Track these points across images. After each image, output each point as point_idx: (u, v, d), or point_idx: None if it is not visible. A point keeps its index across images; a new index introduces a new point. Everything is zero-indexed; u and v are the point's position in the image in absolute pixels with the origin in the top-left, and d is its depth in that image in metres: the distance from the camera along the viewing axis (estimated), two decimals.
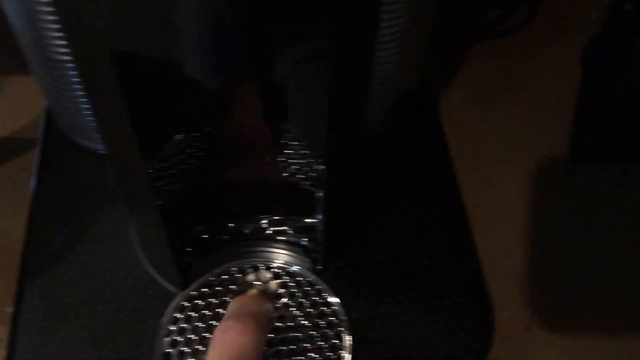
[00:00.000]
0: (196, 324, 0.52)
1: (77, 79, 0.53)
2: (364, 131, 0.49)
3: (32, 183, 0.60)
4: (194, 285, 0.54)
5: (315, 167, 0.52)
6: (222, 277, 0.55)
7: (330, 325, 0.52)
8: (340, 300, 0.53)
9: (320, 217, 0.52)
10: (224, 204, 0.55)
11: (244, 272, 0.55)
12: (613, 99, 0.54)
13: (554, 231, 0.62)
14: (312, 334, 0.51)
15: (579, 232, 0.62)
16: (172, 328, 0.51)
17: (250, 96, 0.48)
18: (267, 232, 0.56)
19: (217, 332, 0.45)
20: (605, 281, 0.59)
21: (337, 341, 0.51)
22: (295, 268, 0.54)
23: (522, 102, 0.72)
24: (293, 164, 0.54)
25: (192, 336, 0.51)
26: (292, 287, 0.54)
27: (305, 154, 0.54)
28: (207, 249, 0.55)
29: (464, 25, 0.78)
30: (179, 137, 0.52)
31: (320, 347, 0.51)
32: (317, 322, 0.52)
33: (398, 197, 0.60)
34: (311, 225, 0.54)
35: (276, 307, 0.53)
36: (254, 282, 0.54)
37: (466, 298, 0.54)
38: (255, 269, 0.55)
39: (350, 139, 0.47)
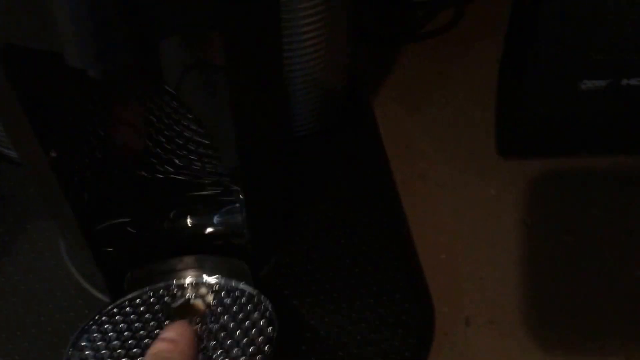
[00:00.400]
0: (125, 333, 0.50)
1: None
2: (284, 133, 0.48)
3: None
4: (126, 297, 0.52)
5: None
6: (157, 286, 0.53)
7: (264, 329, 0.51)
8: (274, 303, 0.52)
9: (244, 222, 0.51)
10: (148, 212, 0.54)
11: (176, 281, 0.53)
12: (525, 94, 0.54)
13: (491, 225, 0.62)
14: (245, 340, 0.50)
15: (516, 225, 0.62)
16: (95, 335, 0.50)
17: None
18: (195, 237, 0.55)
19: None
20: (542, 274, 0.59)
21: (270, 345, 0.50)
22: (228, 275, 0.53)
23: (454, 99, 0.72)
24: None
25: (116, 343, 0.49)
26: (226, 294, 0.52)
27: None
28: (138, 258, 0.54)
29: (394, 26, 0.79)
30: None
31: (253, 352, 0.50)
32: (251, 327, 0.51)
33: (332, 196, 0.59)
34: (238, 230, 0.54)
35: (209, 315, 0.51)
36: (188, 291, 0.53)
37: (404, 294, 0.54)
38: (187, 275, 0.53)
39: (266, 142, 0.46)
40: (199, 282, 0.53)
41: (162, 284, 0.53)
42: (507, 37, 0.58)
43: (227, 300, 0.52)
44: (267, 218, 0.52)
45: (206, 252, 0.54)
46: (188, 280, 0.53)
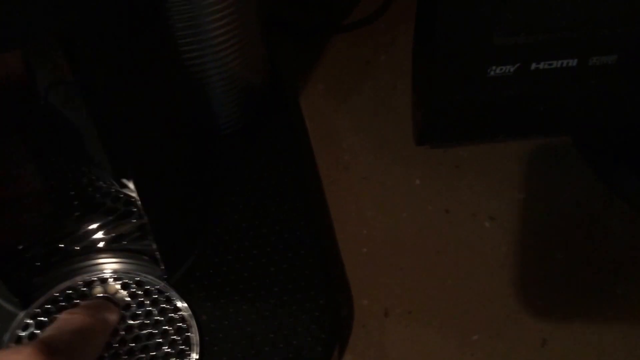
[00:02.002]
0: None
1: None
2: (183, 135, 0.47)
3: None
4: (37, 302, 0.52)
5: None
6: (67, 291, 0.52)
7: (178, 330, 0.50)
8: (188, 304, 0.51)
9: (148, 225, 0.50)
10: (48, 219, 0.53)
11: (89, 286, 0.53)
12: (436, 83, 0.54)
13: (414, 215, 0.62)
14: (160, 341, 0.50)
15: (438, 214, 0.62)
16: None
17: None
18: (104, 241, 0.54)
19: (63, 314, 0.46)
20: (461, 261, 0.59)
21: (185, 346, 0.50)
22: (142, 276, 0.53)
23: (381, 89, 0.71)
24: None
25: None
26: (140, 295, 0.52)
27: None
28: (47, 265, 0.53)
29: (318, 16, 0.78)
30: None
31: (168, 353, 0.49)
32: (166, 328, 0.50)
33: (253, 192, 0.58)
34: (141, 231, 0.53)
35: (123, 318, 0.51)
36: (101, 295, 0.52)
37: (320, 290, 0.53)
38: (102, 281, 0.53)
39: (154, 148, 0.45)
40: (107, 279, 0.53)
41: (68, 283, 0.52)
42: (416, 26, 0.57)
43: (140, 299, 0.52)
44: (173, 223, 0.51)
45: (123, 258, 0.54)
46: (96, 277, 0.53)
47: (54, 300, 0.52)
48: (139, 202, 0.46)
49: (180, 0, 0.50)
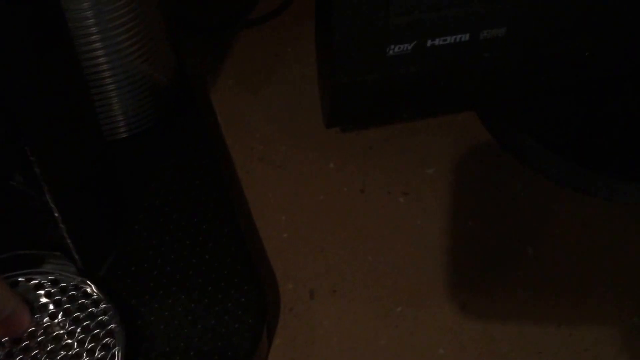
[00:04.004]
0: None
1: None
2: (92, 137, 0.48)
3: None
4: None
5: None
6: None
7: (101, 327, 0.50)
8: (111, 301, 0.51)
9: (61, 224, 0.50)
10: None
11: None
12: (336, 65, 0.55)
13: (330, 198, 0.63)
14: (82, 339, 0.50)
15: (354, 195, 0.63)
16: None
17: None
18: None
19: None
20: (378, 238, 0.61)
21: (111, 343, 0.50)
22: (59, 274, 0.52)
23: (291, 79, 0.73)
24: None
25: None
26: (57, 294, 0.52)
27: None
28: None
29: (222, 13, 0.79)
30: None
31: (93, 351, 0.50)
32: (88, 327, 0.50)
33: (168, 189, 0.59)
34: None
35: (42, 318, 0.51)
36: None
37: (242, 278, 0.54)
38: (15, 282, 0.52)
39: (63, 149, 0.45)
40: (18, 280, 0.52)
41: None
42: (316, 10, 0.59)
43: (61, 298, 0.52)
44: (86, 220, 0.52)
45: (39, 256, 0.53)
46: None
47: None
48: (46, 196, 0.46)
49: None
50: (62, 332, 0.51)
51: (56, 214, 0.48)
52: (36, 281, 0.52)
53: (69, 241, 0.50)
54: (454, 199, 0.62)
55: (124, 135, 0.62)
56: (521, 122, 0.65)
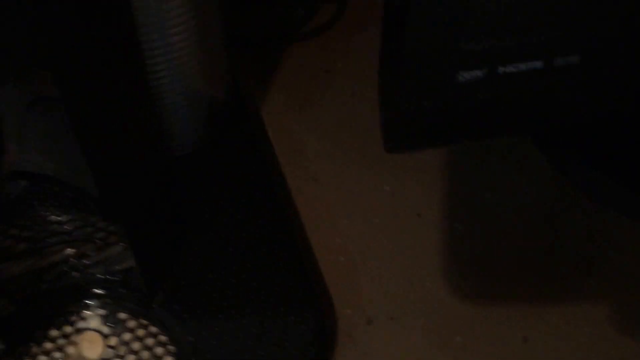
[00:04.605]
0: None
1: None
2: (157, 156, 0.47)
3: None
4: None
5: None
6: (50, 329, 0.51)
7: (164, 355, 0.50)
8: (172, 328, 0.51)
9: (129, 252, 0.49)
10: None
11: (69, 322, 0.52)
12: (404, 89, 0.54)
13: (386, 221, 0.62)
14: None
15: (410, 219, 0.62)
16: None
17: None
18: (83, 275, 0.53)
19: None
20: (436, 264, 0.60)
21: None
22: (121, 308, 0.52)
23: (342, 96, 0.72)
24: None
25: None
26: (120, 327, 0.51)
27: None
28: (26, 300, 0.52)
29: (273, 27, 0.78)
30: None
31: None
32: (151, 356, 0.50)
33: (224, 210, 0.58)
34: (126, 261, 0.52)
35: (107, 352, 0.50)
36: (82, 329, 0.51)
37: (303, 302, 0.53)
38: (80, 314, 0.52)
39: (133, 167, 0.45)
40: (87, 315, 0.52)
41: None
42: (383, 32, 0.57)
43: (120, 330, 0.51)
44: (150, 243, 0.51)
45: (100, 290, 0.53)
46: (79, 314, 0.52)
47: (36, 339, 0.51)
48: (116, 226, 0.45)
49: (141, 12, 0.49)
50: None
51: (122, 237, 0.47)
52: (99, 311, 0.52)
53: (135, 265, 0.49)
54: (514, 228, 0.61)
55: (178, 154, 0.61)
56: (582, 149, 0.64)
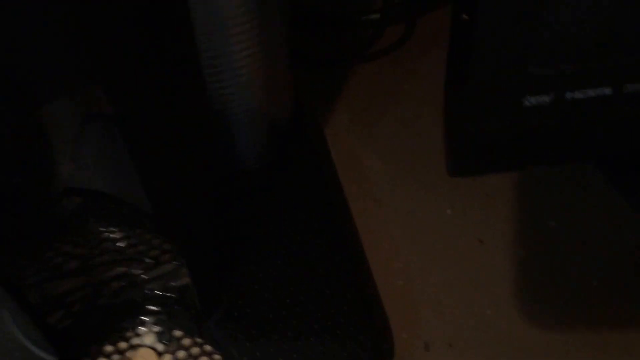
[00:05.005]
0: None
1: None
2: (212, 173, 0.47)
3: None
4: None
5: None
6: (105, 345, 0.52)
7: None
8: (227, 347, 0.51)
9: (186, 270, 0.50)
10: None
11: (124, 338, 0.52)
12: (469, 114, 0.53)
13: (447, 246, 0.61)
14: None
15: (472, 244, 0.61)
16: None
17: None
18: (139, 291, 0.53)
19: None
20: (497, 291, 0.58)
21: None
22: (176, 323, 0.52)
23: (406, 119, 0.71)
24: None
25: None
26: (174, 344, 0.51)
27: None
28: (82, 314, 0.52)
29: (339, 47, 0.78)
30: None
31: None
32: None
33: (284, 230, 0.58)
34: (181, 278, 0.53)
35: None
36: (136, 345, 0.52)
37: (360, 325, 0.53)
38: (135, 330, 0.52)
39: (187, 186, 0.45)
40: (142, 332, 0.52)
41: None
42: (449, 56, 0.57)
43: (175, 348, 0.52)
44: (207, 261, 0.51)
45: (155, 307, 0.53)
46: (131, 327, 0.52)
47: (87, 353, 0.52)
48: (173, 244, 0.46)
49: (206, 29, 0.50)
50: None
51: (177, 254, 0.48)
52: (154, 328, 0.52)
53: (190, 284, 0.50)
54: (578, 256, 0.59)
55: (239, 172, 0.61)
56: None
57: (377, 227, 0.63)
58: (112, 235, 0.54)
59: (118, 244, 0.54)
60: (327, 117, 0.71)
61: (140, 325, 0.53)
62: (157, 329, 0.53)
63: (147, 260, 0.53)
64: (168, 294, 0.53)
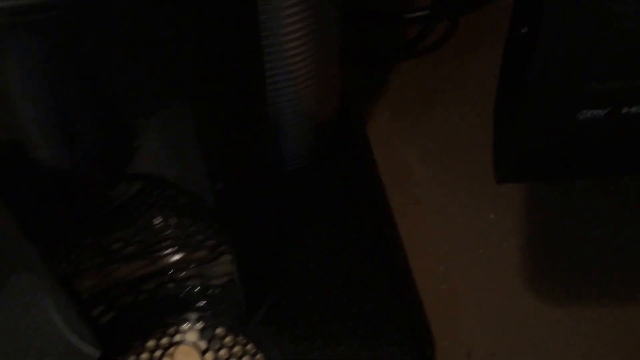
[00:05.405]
0: None
1: None
2: (269, 168, 0.47)
3: None
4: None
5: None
6: (147, 340, 0.52)
7: None
8: (269, 348, 0.51)
9: (233, 266, 0.49)
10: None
11: (167, 334, 0.52)
12: (522, 126, 0.53)
13: (490, 251, 0.61)
14: None
15: (516, 250, 0.61)
16: None
17: None
18: (183, 286, 0.54)
19: None
20: (543, 301, 0.58)
21: None
22: (219, 321, 0.52)
23: (450, 119, 0.71)
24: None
25: None
26: (217, 342, 0.52)
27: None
28: (126, 308, 0.53)
29: (384, 44, 0.77)
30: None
31: None
32: None
33: (326, 229, 0.58)
34: (226, 275, 0.53)
35: None
36: (179, 342, 0.52)
37: (403, 330, 0.53)
38: (177, 327, 0.53)
39: (246, 178, 0.45)
40: (184, 329, 0.53)
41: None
42: (502, 65, 0.56)
43: (217, 346, 0.52)
44: (256, 259, 0.51)
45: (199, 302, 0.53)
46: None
47: (132, 347, 0.52)
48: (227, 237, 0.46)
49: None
50: None
51: (230, 247, 0.48)
52: (196, 325, 0.53)
53: (236, 280, 0.49)
54: (624, 268, 0.59)
55: (284, 171, 0.61)
56: None
57: (419, 229, 0.62)
58: (168, 224, 0.54)
59: (169, 233, 0.54)
60: (370, 115, 0.71)
61: (183, 322, 0.53)
62: (199, 326, 0.53)
63: (195, 254, 0.54)
64: (213, 292, 0.53)
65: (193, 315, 0.53)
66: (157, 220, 0.54)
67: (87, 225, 0.51)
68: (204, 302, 0.54)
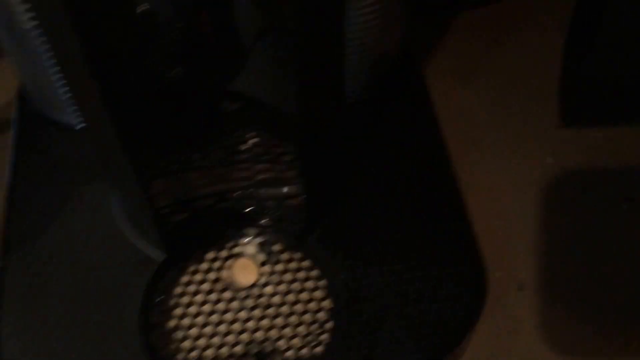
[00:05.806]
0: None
1: (47, 48, 0.52)
2: (340, 95, 0.48)
3: (10, 160, 0.59)
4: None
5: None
6: (208, 251, 0.53)
7: (313, 290, 0.50)
8: (325, 263, 0.51)
9: (299, 185, 0.50)
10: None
11: (225, 246, 0.53)
12: (594, 65, 0.53)
13: (547, 192, 0.60)
14: (295, 301, 0.50)
15: (573, 193, 0.60)
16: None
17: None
18: (246, 204, 0.54)
19: None
20: (598, 242, 0.57)
21: (322, 307, 0.50)
22: (278, 237, 0.53)
23: (509, 67, 0.70)
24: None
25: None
26: (274, 257, 0.52)
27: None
28: (191, 219, 0.54)
29: None
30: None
31: (303, 313, 0.50)
32: (302, 288, 0.51)
33: (385, 162, 0.58)
34: (291, 194, 0.53)
35: (260, 278, 0.51)
36: (237, 255, 0.53)
37: (457, 258, 0.53)
38: (237, 240, 0.53)
39: (325, 102, 0.46)
40: (244, 242, 0.53)
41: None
42: (575, 11, 0.56)
43: (274, 261, 0.52)
44: (323, 184, 0.52)
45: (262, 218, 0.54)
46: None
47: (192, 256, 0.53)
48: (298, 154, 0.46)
49: None
50: (275, 293, 0.51)
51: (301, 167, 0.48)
52: (256, 240, 0.53)
53: (303, 208, 0.50)
54: None
55: (348, 102, 0.61)
56: None
57: (476, 169, 0.62)
58: (251, 140, 0.55)
59: (244, 151, 0.55)
60: (430, 60, 0.71)
61: (243, 237, 0.54)
62: (258, 240, 0.53)
63: (263, 174, 0.54)
64: (274, 210, 0.54)
65: (252, 231, 0.54)
66: (242, 135, 0.55)
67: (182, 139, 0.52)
68: (265, 220, 0.54)
